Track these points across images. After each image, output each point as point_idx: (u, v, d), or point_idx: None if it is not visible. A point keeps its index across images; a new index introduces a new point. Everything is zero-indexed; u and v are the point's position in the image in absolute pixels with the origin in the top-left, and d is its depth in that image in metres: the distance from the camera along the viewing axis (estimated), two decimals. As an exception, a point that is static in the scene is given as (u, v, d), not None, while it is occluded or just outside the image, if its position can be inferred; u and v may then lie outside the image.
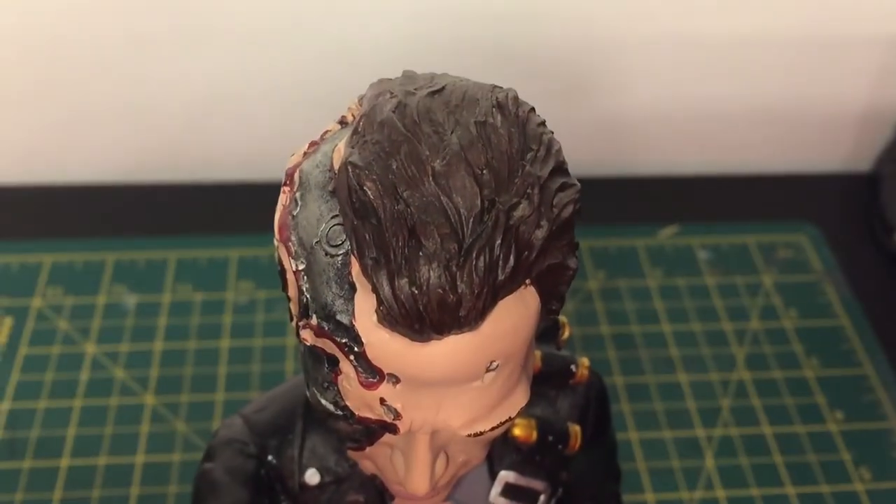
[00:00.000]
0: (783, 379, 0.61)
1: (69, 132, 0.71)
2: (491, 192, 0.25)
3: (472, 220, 0.24)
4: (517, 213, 0.25)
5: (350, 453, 0.32)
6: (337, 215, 0.26)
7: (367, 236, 0.25)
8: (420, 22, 0.66)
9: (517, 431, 0.35)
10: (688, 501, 0.54)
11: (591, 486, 0.39)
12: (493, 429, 0.29)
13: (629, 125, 0.74)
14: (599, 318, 0.64)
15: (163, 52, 0.67)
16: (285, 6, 0.66)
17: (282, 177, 0.29)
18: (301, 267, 0.27)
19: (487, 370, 0.27)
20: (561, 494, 0.37)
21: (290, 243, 0.28)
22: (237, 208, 0.70)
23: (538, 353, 0.35)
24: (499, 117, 0.26)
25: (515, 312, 0.26)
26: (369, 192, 0.25)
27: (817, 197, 0.74)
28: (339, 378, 0.28)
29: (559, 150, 0.27)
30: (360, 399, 0.28)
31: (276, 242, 0.29)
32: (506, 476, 0.36)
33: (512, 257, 0.25)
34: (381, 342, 0.26)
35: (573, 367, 0.36)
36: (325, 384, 0.28)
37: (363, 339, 0.26)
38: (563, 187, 0.26)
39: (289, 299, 0.29)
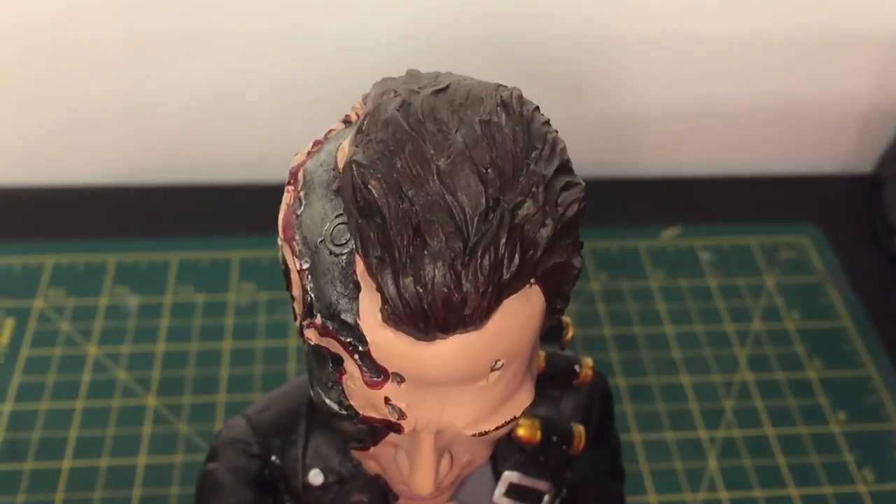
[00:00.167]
0: (786, 380, 0.61)
1: (71, 134, 0.71)
2: (496, 190, 0.25)
3: (476, 218, 0.24)
4: (522, 212, 0.25)
5: (354, 453, 0.32)
6: (341, 214, 0.26)
7: (372, 235, 0.25)
8: (420, 22, 0.66)
9: (521, 432, 0.35)
10: (691, 503, 0.54)
11: (595, 486, 0.39)
12: (497, 428, 0.28)
13: (631, 126, 0.74)
14: (602, 320, 0.64)
15: (165, 52, 0.67)
16: (286, 6, 0.66)
17: (284, 178, 0.29)
18: (305, 266, 0.27)
19: (492, 369, 0.27)
20: (565, 495, 0.37)
21: (294, 242, 0.28)
22: (239, 210, 0.70)
23: (542, 354, 0.35)
24: (503, 116, 0.26)
25: (520, 311, 0.26)
26: (374, 191, 0.25)
27: (819, 198, 0.74)
28: (344, 377, 0.27)
29: (564, 149, 0.27)
30: (364, 398, 0.27)
31: (280, 242, 0.29)
32: (510, 476, 0.36)
33: (517, 256, 0.25)
34: (386, 341, 0.26)
35: (577, 368, 0.36)
36: (330, 384, 0.28)
37: (368, 338, 0.26)
38: (567, 186, 0.26)
39: (293, 298, 0.29)
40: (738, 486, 0.55)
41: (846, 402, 0.60)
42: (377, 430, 0.29)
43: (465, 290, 0.24)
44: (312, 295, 0.27)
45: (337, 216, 0.26)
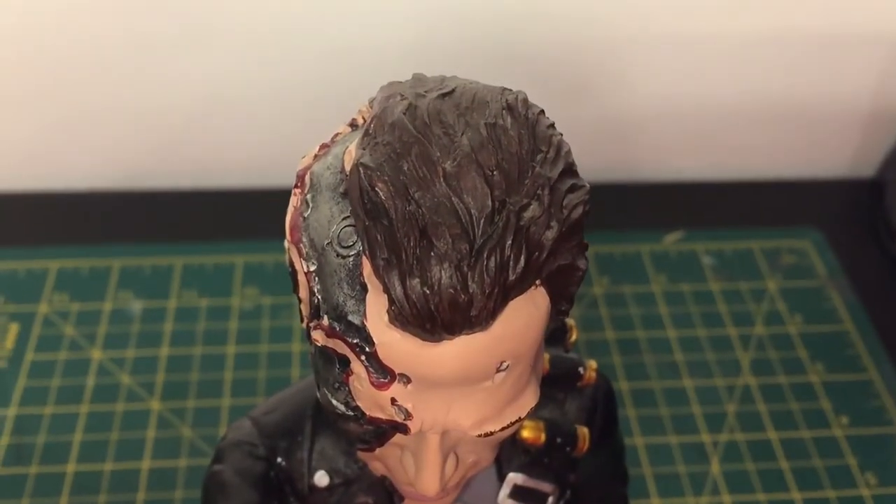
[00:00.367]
0: (788, 384, 0.61)
1: (75, 138, 0.71)
2: (501, 193, 0.25)
3: (482, 220, 0.25)
4: (527, 214, 0.25)
5: (360, 454, 0.32)
6: (348, 216, 0.26)
7: (379, 237, 0.25)
8: (421, 24, 0.66)
9: (526, 433, 0.35)
10: (694, 506, 0.54)
11: (599, 488, 0.39)
12: (503, 429, 0.29)
13: (633, 130, 0.75)
14: (604, 324, 0.64)
15: (169, 57, 0.67)
16: (288, 10, 0.66)
17: (288, 182, 0.29)
18: (312, 268, 0.27)
19: (498, 370, 0.27)
20: (569, 496, 0.37)
21: (301, 244, 0.28)
22: (243, 214, 0.70)
23: (546, 356, 0.36)
24: (509, 119, 0.26)
25: (526, 313, 0.26)
26: (381, 193, 0.25)
27: (821, 202, 0.74)
28: (351, 378, 0.28)
29: (568, 152, 0.27)
30: (371, 399, 0.28)
31: (286, 244, 0.29)
32: (514, 478, 0.36)
33: (522, 258, 0.25)
34: (393, 342, 0.26)
35: (581, 370, 0.36)
36: (337, 385, 0.28)
37: (374, 340, 0.26)
38: (572, 189, 0.26)
39: (300, 300, 0.29)
40: (741, 489, 0.55)
41: (848, 406, 0.60)
42: (383, 432, 0.29)
43: (471, 291, 0.25)
44: (319, 297, 0.27)
45: (344, 218, 0.27)
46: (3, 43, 0.66)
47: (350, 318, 0.26)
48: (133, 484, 0.54)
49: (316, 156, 0.29)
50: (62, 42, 0.66)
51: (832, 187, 0.76)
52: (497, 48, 0.68)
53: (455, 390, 0.27)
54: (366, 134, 0.26)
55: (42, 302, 0.63)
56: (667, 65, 0.71)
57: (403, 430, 0.28)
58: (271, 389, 0.58)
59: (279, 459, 0.35)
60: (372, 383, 0.27)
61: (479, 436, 0.28)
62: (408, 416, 0.28)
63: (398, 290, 0.25)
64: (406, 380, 0.27)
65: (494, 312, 0.25)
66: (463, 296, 0.24)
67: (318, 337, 0.28)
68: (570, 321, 0.37)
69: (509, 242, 0.25)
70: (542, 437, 0.35)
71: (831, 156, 0.77)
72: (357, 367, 0.27)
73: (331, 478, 0.35)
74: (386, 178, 0.25)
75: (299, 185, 0.29)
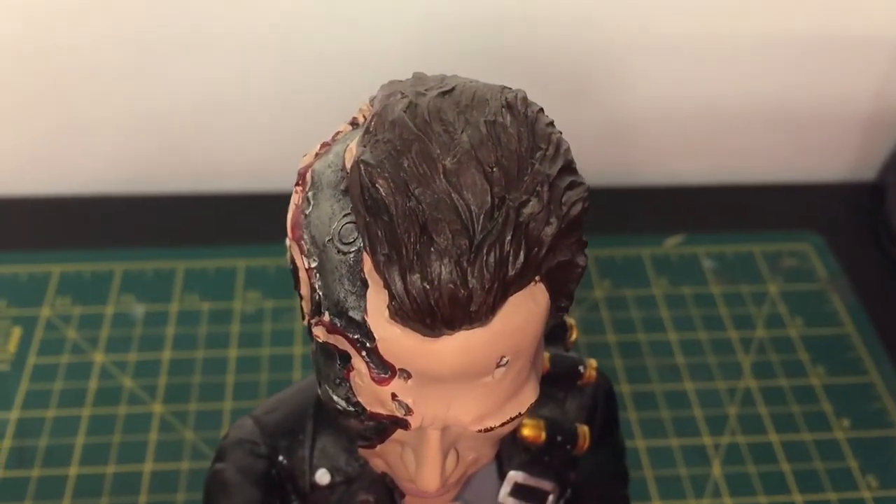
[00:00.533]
0: (789, 387, 0.61)
1: (77, 143, 0.72)
2: (501, 189, 0.25)
3: (482, 216, 0.25)
4: (527, 211, 0.25)
5: (361, 452, 0.32)
6: (349, 213, 0.27)
7: (380, 233, 0.25)
8: (422, 27, 0.67)
9: (526, 432, 0.35)
10: (695, 509, 0.55)
11: (599, 486, 0.39)
12: (503, 424, 0.29)
13: (634, 135, 0.75)
14: (605, 327, 0.64)
15: (171, 62, 0.68)
16: (290, 15, 0.66)
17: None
18: (314, 265, 0.28)
19: (498, 366, 0.27)
20: (569, 495, 0.38)
21: (302, 242, 0.28)
22: (244, 218, 0.70)
23: (546, 355, 0.36)
24: (508, 117, 0.27)
25: (525, 309, 0.26)
26: (381, 190, 0.25)
27: (822, 206, 0.74)
28: (351, 374, 0.28)
29: (567, 150, 0.27)
30: (371, 395, 0.28)
31: (288, 242, 0.29)
32: (515, 476, 0.36)
33: (522, 253, 0.25)
34: (393, 337, 0.26)
35: (581, 369, 0.36)
36: (337, 381, 0.28)
37: (375, 335, 0.26)
38: (571, 186, 0.26)
39: (301, 297, 0.29)
40: (743, 492, 0.55)
41: (850, 408, 0.60)
42: (384, 428, 0.29)
43: (471, 286, 0.25)
44: (321, 293, 0.27)
45: (345, 215, 0.27)
46: (6, 48, 0.67)
47: (351, 313, 0.27)
48: (135, 487, 0.54)
49: (317, 154, 0.29)
50: (66, 48, 0.67)
51: (833, 191, 0.76)
52: (498, 52, 0.68)
53: (455, 386, 0.27)
54: (366, 132, 0.27)
55: (44, 305, 0.64)
56: (667, 68, 0.71)
57: (404, 425, 0.28)
58: (273, 393, 0.57)
59: (281, 458, 0.35)
60: (373, 379, 0.27)
61: (480, 431, 0.29)
62: (408, 411, 0.28)
63: (398, 285, 0.25)
64: (406, 375, 0.27)
65: (494, 307, 0.25)
66: (463, 291, 0.25)
67: (320, 333, 0.28)
68: (570, 320, 0.37)
69: (509, 238, 0.25)
70: (543, 435, 0.35)
71: (832, 159, 0.78)
72: (358, 362, 0.27)
73: (332, 476, 0.35)
74: (386, 174, 0.25)
75: (300, 182, 0.29)
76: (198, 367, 0.60)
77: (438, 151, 0.25)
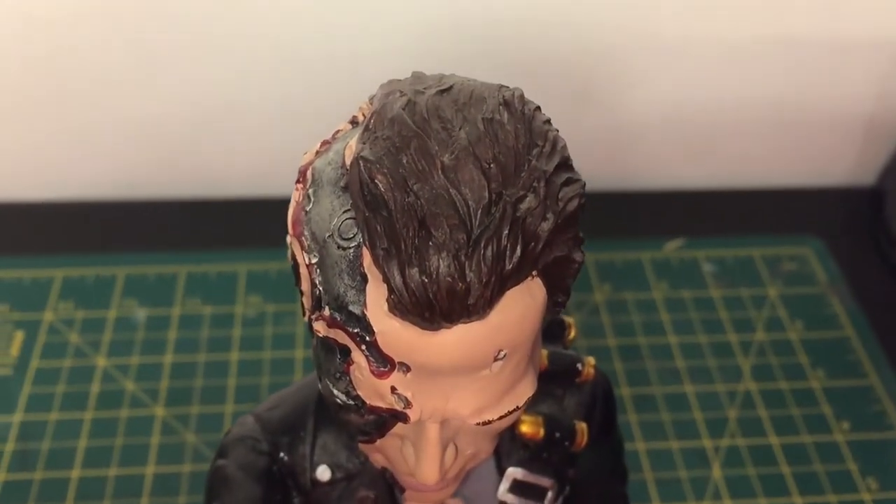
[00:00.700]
0: (789, 390, 0.61)
1: (80, 148, 0.72)
2: (498, 185, 0.26)
3: (480, 211, 0.25)
4: (524, 206, 0.26)
5: (361, 447, 0.32)
6: (349, 210, 0.27)
7: (379, 227, 0.25)
8: (423, 33, 0.67)
9: (525, 428, 0.35)
10: (695, 511, 0.55)
11: (598, 484, 0.39)
12: (501, 417, 0.29)
13: (633, 138, 0.75)
14: (606, 331, 0.64)
15: (173, 68, 0.68)
16: (291, 22, 0.67)
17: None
18: (314, 260, 0.28)
19: (495, 359, 0.27)
20: (568, 492, 0.38)
21: (303, 238, 0.28)
22: (246, 223, 0.71)
23: (545, 352, 0.36)
24: (505, 114, 0.27)
25: (522, 303, 0.27)
26: (380, 185, 0.25)
27: (822, 210, 0.75)
28: (351, 368, 0.28)
29: (564, 147, 0.27)
30: (371, 388, 0.28)
31: (289, 239, 0.29)
32: (514, 472, 0.36)
33: (519, 248, 0.25)
34: (392, 331, 0.26)
35: (579, 366, 0.37)
36: (338, 375, 0.29)
37: (374, 329, 0.27)
38: (568, 182, 0.27)
39: (301, 293, 0.30)
40: (743, 494, 0.55)
41: (850, 411, 0.60)
42: (383, 422, 0.30)
43: (468, 279, 0.25)
44: (321, 288, 0.28)
45: (345, 211, 0.27)
46: (11, 54, 0.67)
47: (351, 307, 0.27)
48: (137, 489, 0.54)
49: (317, 152, 0.30)
50: (69, 53, 0.67)
51: (832, 195, 0.76)
52: (497, 57, 0.68)
53: (454, 379, 0.28)
54: (366, 129, 0.27)
55: (47, 310, 0.64)
56: (667, 73, 0.71)
57: (403, 418, 0.29)
58: (274, 396, 0.58)
59: (282, 454, 0.36)
60: (372, 372, 0.28)
61: (478, 424, 0.29)
62: (407, 404, 0.28)
63: (397, 279, 0.25)
64: (406, 368, 0.27)
65: (491, 301, 0.26)
66: (460, 284, 0.25)
67: (320, 328, 0.28)
68: (568, 319, 0.38)
69: (506, 233, 0.25)
70: (541, 431, 0.35)
71: (831, 164, 0.78)
72: (357, 356, 0.28)
73: (333, 472, 0.35)
74: (385, 170, 0.26)
75: (301, 180, 0.29)
76: (199, 370, 0.61)
77: (437, 148, 0.26)
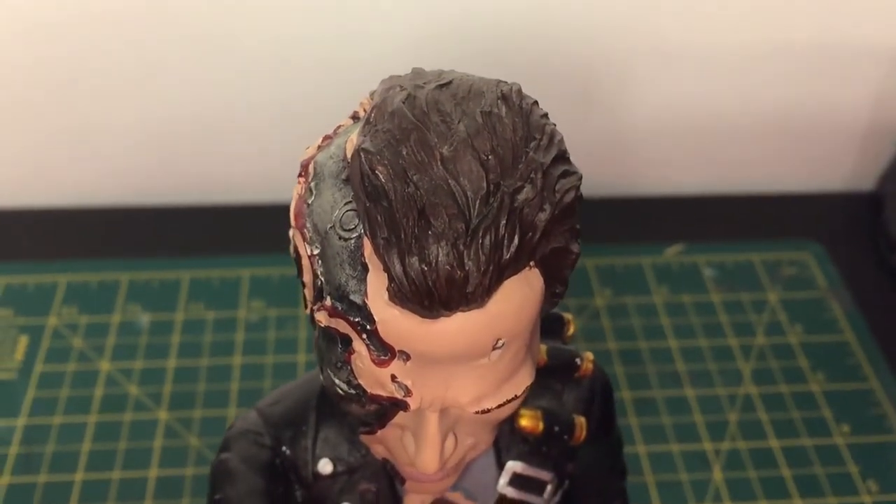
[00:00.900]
0: (789, 393, 0.62)
1: (83, 155, 0.72)
2: (496, 176, 0.26)
3: (478, 201, 0.26)
4: (521, 197, 0.26)
5: (362, 438, 0.33)
6: (350, 202, 0.28)
7: (379, 217, 0.26)
8: (424, 39, 0.67)
9: (524, 422, 0.36)
10: (696, 512, 0.55)
11: (597, 479, 0.40)
12: (499, 406, 0.29)
13: (633, 145, 0.76)
14: (607, 335, 0.65)
15: (176, 75, 0.69)
16: (294, 30, 0.67)
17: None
18: (316, 251, 0.28)
19: (494, 348, 0.28)
20: (567, 487, 0.38)
21: (305, 230, 0.29)
22: (249, 229, 0.71)
23: (544, 347, 0.36)
24: (503, 108, 0.27)
25: (520, 293, 0.27)
26: (381, 176, 0.26)
27: (821, 216, 0.75)
28: (352, 357, 0.29)
29: (561, 140, 0.28)
30: (372, 376, 0.29)
31: (291, 232, 0.30)
32: (513, 466, 0.36)
33: (516, 237, 0.26)
34: (393, 319, 0.27)
35: (578, 361, 0.37)
36: (339, 364, 0.29)
37: (375, 317, 0.27)
38: (565, 174, 0.27)
39: (303, 285, 0.30)
40: (744, 497, 0.56)
41: (850, 414, 0.60)
42: (384, 413, 0.30)
43: (467, 268, 0.25)
44: (323, 279, 0.28)
45: (346, 203, 0.28)
46: (16, 62, 0.68)
47: (352, 297, 0.27)
48: (140, 492, 0.54)
49: (319, 146, 0.30)
50: (74, 60, 0.68)
51: (832, 201, 0.76)
52: (498, 63, 0.69)
53: (453, 367, 0.28)
54: (367, 122, 0.28)
55: (51, 315, 0.64)
56: (666, 79, 0.72)
57: (403, 406, 0.29)
58: (277, 399, 0.59)
59: (284, 448, 0.36)
60: (373, 361, 0.28)
61: (477, 412, 0.29)
62: (407, 392, 0.29)
63: (397, 267, 0.26)
64: (406, 357, 0.28)
65: (489, 289, 0.26)
66: (459, 272, 0.25)
67: (322, 318, 0.29)
68: (567, 315, 0.38)
69: (503, 222, 0.26)
70: (540, 425, 0.36)
71: (831, 169, 0.78)
72: (358, 345, 0.28)
73: (334, 465, 0.36)
74: (386, 161, 0.26)
75: (303, 174, 0.30)
76: (202, 374, 0.61)
77: (436, 140, 0.26)
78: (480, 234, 0.25)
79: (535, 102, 0.29)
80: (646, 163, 0.76)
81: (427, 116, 0.27)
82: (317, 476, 0.36)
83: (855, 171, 0.78)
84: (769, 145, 0.76)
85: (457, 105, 0.27)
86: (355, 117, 0.31)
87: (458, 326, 0.26)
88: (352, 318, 0.28)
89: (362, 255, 0.27)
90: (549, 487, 0.37)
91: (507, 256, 0.26)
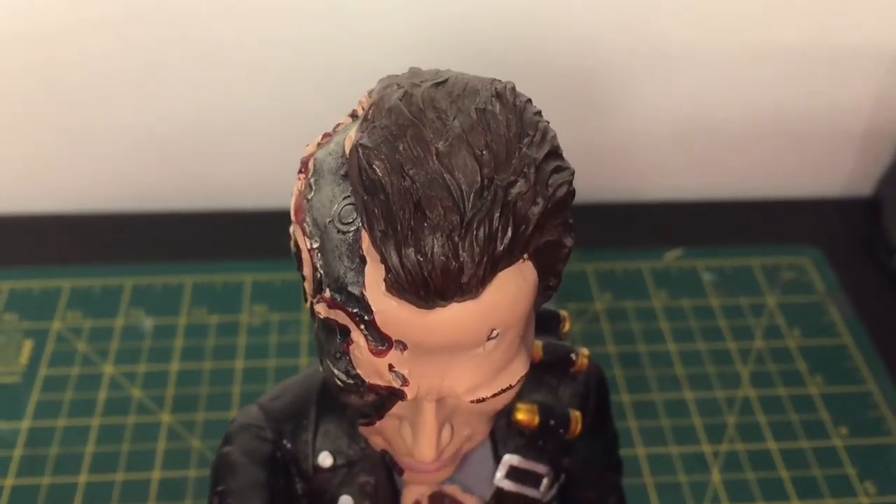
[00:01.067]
0: (788, 396, 0.62)
1: (88, 162, 0.73)
2: (490, 170, 0.27)
3: (472, 194, 0.26)
4: (514, 190, 0.27)
5: (361, 430, 0.33)
6: (348, 196, 0.28)
7: (377, 210, 0.27)
8: (423, 45, 0.68)
9: (520, 416, 0.36)
10: (694, 513, 0.55)
11: (593, 473, 0.40)
12: (494, 395, 0.30)
13: (633, 151, 0.76)
14: (606, 338, 0.65)
15: (178, 82, 0.69)
16: (296, 37, 0.68)
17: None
18: (315, 245, 0.29)
19: (489, 338, 0.28)
20: (563, 480, 0.39)
21: (305, 224, 0.30)
22: (251, 234, 0.72)
23: (540, 343, 0.37)
24: (497, 105, 0.28)
25: (514, 284, 0.28)
26: (378, 170, 0.27)
27: (820, 221, 0.75)
28: (351, 347, 0.29)
29: (554, 137, 0.29)
30: (370, 366, 0.29)
31: (292, 227, 0.31)
32: (510, 459, 0.37)
33: (510, 230, 0.27)
34: (390, 309, 0.27)
35: (573, 356, 0.38)
36: (338, 354, 0.30)
37: (373, 308, 0.28)
38: (557, 170, 0.28)
39: (303, 278, 0.31)
40: (742, 498, 0.56)
41: (848, 417, 0.61)
42: (382, 403, 0.31)
43: (461, 259, 0.26)
44: (322, 271, 0.29)
45: (344, 198, 0.28)
46: (20, 69, 0.68)
47: (350, 288, 0.28)
48: (143, 494, 0.55)
49: (319, 144, 0.31)
50: (77, 67, 0.68)
51: (830, 206, 0.77)
52: (498, 69, 0.69)
53: (449, 357, 0.29)
54: (364, 119, 0.28)
55: (55, 319, 0.65)
56: (664, 85, 0.72)
57: (401, 395, 0.30)
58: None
59: (285, 442, 0.37)
60: (371, 350, 0.29)
61: (473, 402, 0.30)
62: (404, 381, 0.29)
63: (394, 258, 0.26)
64: (403, 346, 0.28)
65: (484, 280, 0.27)
66: (454, 263, 0.26)
67: (321, 309, 0.29)
68: (563, 312, 0.39)
69: (497, 215, 0.26)
70: (536, 419, 0.36)
71: (829, 174, 0.79)
72: (357, 335, 0.29)
73: (334, 458, 0.36)
74: (383, 156, 0.27)
75: (303, 170, 0.30)
76: (205, 378, 0.61)
77: (431, 136, 0.27)
78: (475, 226, 0.26)
79: (529, 100, 0.29)
80: (645, 167, 0.77)
81: (423, 113, 0.28)
82: (317, 469, 0.36)
83: (853, 175, 0.79)
84: (767, 150, 0.77)
85: (452, 102, 0.28)
86: (354, 115, 0.31)
87: (453, 316, 0.27)
88: (350, 309, 0.28)
89: (360, 247, 0.28)
90: (545, 481, 0.37)
91: (500, 248, 0.27)
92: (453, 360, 0.29)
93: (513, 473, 0.37)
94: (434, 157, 0.27)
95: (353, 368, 0.30)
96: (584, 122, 0.74)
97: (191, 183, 0.74)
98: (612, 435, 0.41)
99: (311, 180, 0.30)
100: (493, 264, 0.27)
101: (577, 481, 0.40)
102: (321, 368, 0.31)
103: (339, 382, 0.30)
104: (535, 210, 0.27)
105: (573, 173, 0.28)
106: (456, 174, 0.26)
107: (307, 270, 0.30)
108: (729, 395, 0.62)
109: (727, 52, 0.71)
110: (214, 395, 0.60)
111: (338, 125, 0.31)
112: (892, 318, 0.67)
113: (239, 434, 0.37)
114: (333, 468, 0.36)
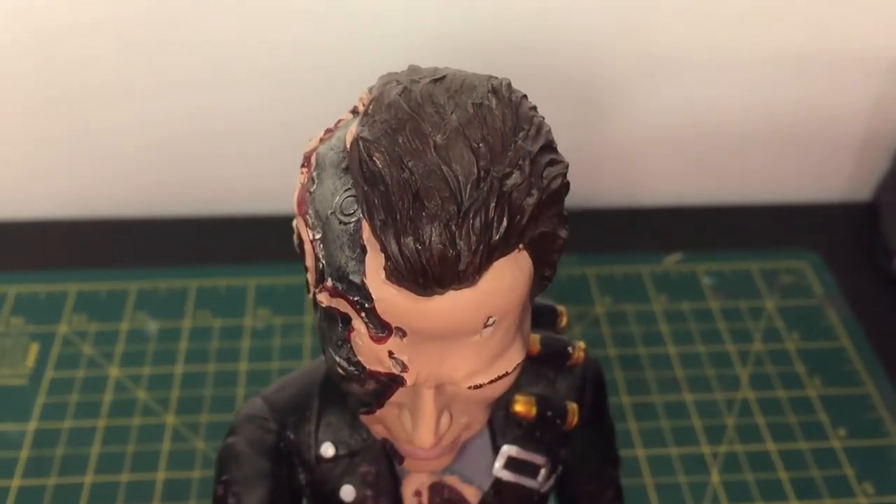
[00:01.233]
0: (787, 398, 0.62)
1: (94, 168, 0.74)
2: (486, 162, 0.28)
3: (469, 185, 0.27)
4: (510, 182, 0.28)
5: (362, 418, 0.34)
6: (349, 188, 0.29)
7: (377, 201, 0.27)
8: (423, 56, 0.69)
9: (518, 407, 0.37)
10: (694, 513, 0.56)
11: (591, 466, 0.41)
12: (491, 381, 0.31)
13: (633, 156, 0.77)
14: (606, 342, 0.66)
15: (182, 89, 0.70)
16: (298, 43, 0.69)
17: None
18: (317, 236, 0.30)
19: (485, 325, 0.29)
20: (560, 472, 0.39)
21: (307, 216, 0.30)
22: (255, 239, 0.73)
23: (537, 337, 0.38)
24: (494, 100, 0.29)
25: (510, 273, 0.28)
26: (378, 162, 0.28)
27: (818, 225, 0.76)
28: (352, 335, 0.30)
29: (549, 131, 0.29)
30: (370, 353, 0.30)
31: (294, 221, 0.31)
32: (508, 450, 0.38)
33: (505, 220, 0.27)
34: (389, 297, 0.28)
35: (570, 349, 0.38)
36: (339, 342, 0.30)
37: (373, 296, 0.28)
38: (552, 163, 0.29)
39: (306, 269, 0.32)
40: (741, 498, 0.57)
41: (846, 418, 0.61)
42: (382, 391, 0.31)
43: (458, 247, 0.27)
44: (324, 261, 0.30)
45: (346, 190, 0.29)
46: (27, 77, 0.69)
47: (351, 277, 0.29)
48: (148, 494, 0.56)
49: (321, 139, 0.32)
50: (82, 72, 0.69)
51: (829, 210, 0.78)
52: (498, 74, 0.70)
53: (447, 343, 0.29)
54: (365, 114, 0.29)
55: (62, 323, 0.66)
56: (664, 91, 0.73)
57: (400, 381, 0.30)
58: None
59: (288, 432, 0.37)
60: (371, 338, 0.29)
61: (470, 388, 0.31)
62: (404, 367, 0.30)
63: (393, 247, 0.27)
64: (402, 333, 0.29)
65: (480, 268, 0.28)
66: (451, 251, 0.27)
67: (323, 298, 0.30)
68: (560, 307, 0.39)
69: (493, 205, 0.27)
70: (534, 410, 0.37)
71: (828, 179, 0.79)
72: (357, 323, 0.30)
73: (336, 449, 0.37)
74: (382, 149, 0.28)
75: (306, 164, 0.31)
76: (209, 380, 0.62)
77: (430, 129, 0.28)
78: (471, 215, 0.27)
79: (524, 96, 0.30)
80: (645, 172, 0.78)
81: (422, 108, 0.28)
82: (319, 459, 0.37)
83: (852, 180, 0.80)
84: (767, 155, 0.78)
85: (450, 97, 0.29)
86: (355, 111, 0.32)
87: (450, 304, 0.28)
88: (351, 297, 0.29)
89: (361, 237, 0.29)
90: (542, 471, 0.38)
91: (496, 237, 0.27)
92: (451, 346, 0.30)
93: (511, 464, 0.38)
94: (432, 150, 0.27)
95: (355, 356, 0.30)
96: (584, 127, 0.74)
97: (195, 189, 0.75)
98: (609, 429, 0.42)
99: (314, 174, 0.31)
100: (489, 253, 0.27)
101: (575, 474, 0.40)
102: (324, 357, 0.32)
103: (340, 370, 0.31)
104: (530, 201, 0.28)
105: (567, 166, 0.29)
106: (453, 166, 0.27)
107: (310, 261, 0.31)
108: (728, 396, 0.62)
109: (726, 57, 0.71)
110: (218, 398, 0.61)
111: (339, 121, 0.32)
112: (890, 321, 0.68)
113: (244, 425, 0.37)
114: (335, 458, 0.37)
